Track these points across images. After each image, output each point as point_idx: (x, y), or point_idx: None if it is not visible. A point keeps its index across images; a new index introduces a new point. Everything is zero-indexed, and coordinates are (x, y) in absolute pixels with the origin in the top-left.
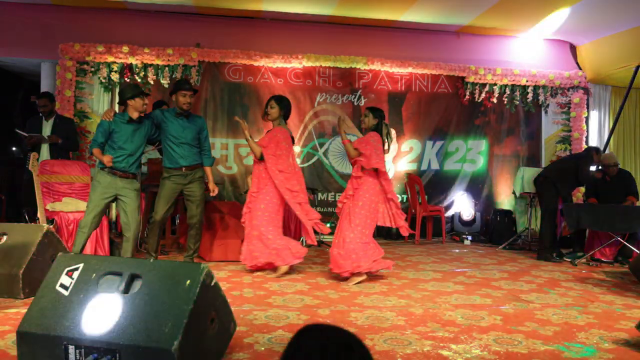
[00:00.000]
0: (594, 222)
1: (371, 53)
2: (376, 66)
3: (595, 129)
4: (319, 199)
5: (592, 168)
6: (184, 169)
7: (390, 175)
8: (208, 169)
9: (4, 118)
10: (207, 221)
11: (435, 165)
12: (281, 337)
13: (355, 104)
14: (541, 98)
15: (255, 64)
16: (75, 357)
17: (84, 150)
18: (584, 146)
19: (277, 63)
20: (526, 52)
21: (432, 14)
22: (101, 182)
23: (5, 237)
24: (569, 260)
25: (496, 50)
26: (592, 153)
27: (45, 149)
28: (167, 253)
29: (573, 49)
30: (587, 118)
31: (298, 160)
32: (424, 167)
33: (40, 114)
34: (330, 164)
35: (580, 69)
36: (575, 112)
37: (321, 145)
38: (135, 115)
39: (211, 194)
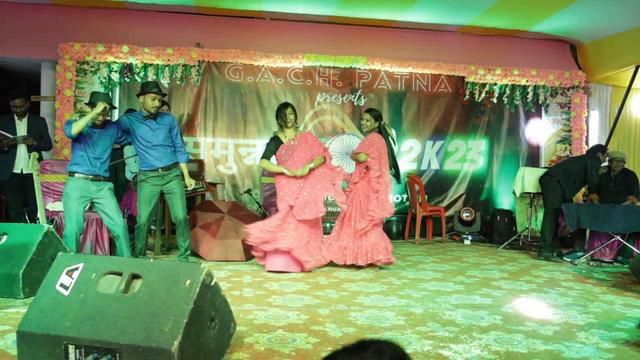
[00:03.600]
0: (594, 222)
1: (371, 53)
2: (376, 66)
3: (595, 129)
4: None
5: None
6: (160, 170)
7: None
8: (183, 166)
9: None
10: (207, 221)
11: (435, 165)
12: (281, 337)
13: (355, 103)
14: (541, 98)
15: (255, 63)
16: (75, 357)
17: None
18: (584, 146)
19: (277, 63)
20: (526, 52)
21: (432, 14)
22: (75, 187)
23: (5, 237)
24: (569, 260)
25: (496, 50)
26: (597, 154)
27: (23, 149)
28: (167, 253)
29: (573, 49)
30: (587, 118)
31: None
32: (424, 166)
33: (14, 114)
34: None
35: (580, 69)
36: (576, 112)
37: None
38: (99, 120)
39: (188, 188)
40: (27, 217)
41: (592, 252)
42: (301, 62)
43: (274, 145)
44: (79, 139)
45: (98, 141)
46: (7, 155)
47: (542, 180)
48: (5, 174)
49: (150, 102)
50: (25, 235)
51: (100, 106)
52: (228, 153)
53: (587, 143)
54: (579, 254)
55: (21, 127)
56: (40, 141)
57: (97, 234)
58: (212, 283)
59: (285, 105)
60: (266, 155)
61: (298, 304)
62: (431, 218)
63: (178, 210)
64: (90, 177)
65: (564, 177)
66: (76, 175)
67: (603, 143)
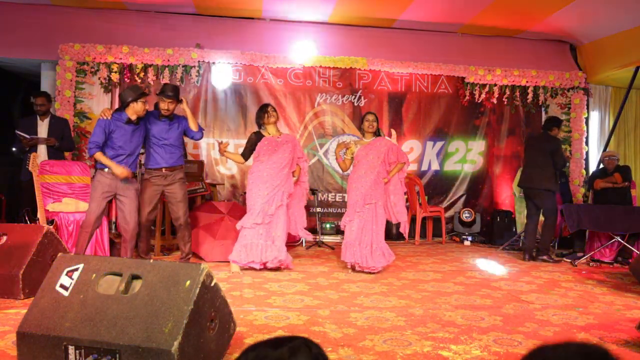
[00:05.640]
0: (594, 223)
1: (371, 53)
2: (376, 66)
3: (595, 130)
4: (319, 199)
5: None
6: (164, 169)
7: None
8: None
9: (4, 118)
10: (208, 221)
11: (435, 166)
12: None
13: (356, 104)
14: (541, 99)
15: (255, 64)
16: (75, 357)
17: (83, 150)
18: (584, 147)
19: (277, 63)
20: (526, 53)
21: (431, 13)
22: (102, 182)
23: (5, 237)
24: (569, 260)
25: (496, 50)
26: (554, 130)
27: (43, 150)
28: (167, 254)
29: (573, 49)
30: (587, 119)
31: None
32: (424, 167)
33: (36, 114)
34: (330, 164)
35: (580, 69)
36: (576, 112)
37: (321, 145)
38: (134, 117)
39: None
40: (26, 218)
41: (592, 252)
42: (301, 62)
43: (255, 137)
44: (114, 136)
45: (132, 138)
46: (29, 155)
47: (524, 191)
48: (27, 174)
49: (162, 104)
50: (25, 235)
51: (123, 173)
52: None
53: (587, 144)
54: (579, 254)
55: (42, 128)
56: (62, 142)
57: (97, 234)
58: (212, 284)
59: (267, 104)
60: (244, 153)
61: (298, 304)
62: (431, 219)
63: (179, 213)
64: None
65: (543, 183)
66: (106, 170)
67: (603, 143)
